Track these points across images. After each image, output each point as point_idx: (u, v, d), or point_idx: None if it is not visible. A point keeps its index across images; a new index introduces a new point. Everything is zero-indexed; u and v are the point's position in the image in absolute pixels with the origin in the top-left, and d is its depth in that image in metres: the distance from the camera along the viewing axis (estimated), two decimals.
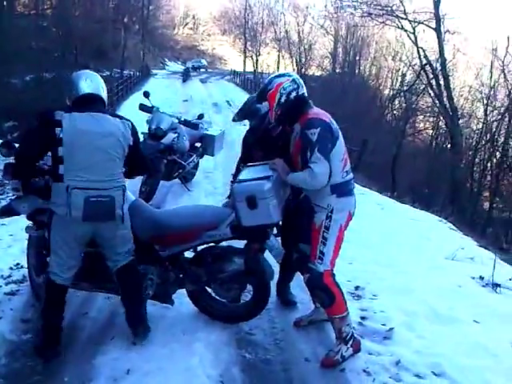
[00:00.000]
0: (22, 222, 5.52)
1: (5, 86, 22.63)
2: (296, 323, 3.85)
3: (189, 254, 3.73)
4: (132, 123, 3.32)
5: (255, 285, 3.64)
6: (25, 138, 3.23)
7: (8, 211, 3.64)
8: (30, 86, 25.59)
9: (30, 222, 3.74)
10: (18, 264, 4.48)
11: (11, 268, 4.42)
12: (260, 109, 3.69)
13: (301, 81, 3.37)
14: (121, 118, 3.27)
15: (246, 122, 4.15)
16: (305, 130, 3.17)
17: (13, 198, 3.64)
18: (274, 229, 3.53)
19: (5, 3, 28.65)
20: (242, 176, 3.38)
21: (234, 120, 4.09)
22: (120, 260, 3.36)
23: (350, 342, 3.37)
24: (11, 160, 3.35)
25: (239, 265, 3.54)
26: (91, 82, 3.22)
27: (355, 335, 3.46)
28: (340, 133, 3.32)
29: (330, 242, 3.28)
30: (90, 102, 3.17)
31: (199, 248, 3.67)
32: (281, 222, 3.56)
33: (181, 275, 3.66)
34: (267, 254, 3.56)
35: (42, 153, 3.14)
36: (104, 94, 3.30)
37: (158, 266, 3.62)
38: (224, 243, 3.64)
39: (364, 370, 3.27)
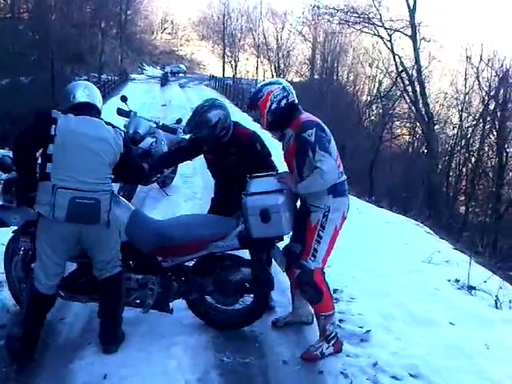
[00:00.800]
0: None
1: None
2: (273, 323, 3.89)
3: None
4: (124, 133, 3.35)
5: (257, 293, 3.65)
6: (21, 133, 3.17)
7: None
8: (6, 89, 25.16)
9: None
10: None
11: None
12: (210, 119, 3.69)
13: (291, 88, 3.46)
14: (114, 126, 3.29)
15: None
16: (301, 133, 3.25)
17: None
18: None
19: None
20: (252, 188, 3.35)
21: (184, 132, 4.12)
22: (105, 269, 3.30)
23: (332, 342, 3.43)
24: (9, 175, 3.40)
25: (246, 275, 3.55)
26: (89, 92, 3.30)
27: (338, 336, 3.50)
28: (331, 136, 3.38)
29: (324, 241, 3.35)
30: (86, 109, 3.21)
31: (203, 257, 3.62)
32: None
33: (183, 285, 3.62)
34: None
35: (37, 147, 3.08)
36: (100, 105, 3.35)
37: (159, 275, 3.57)
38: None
39: (342, 372, 3.28)
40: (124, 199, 3.71)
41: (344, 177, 3.46)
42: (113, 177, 3.25)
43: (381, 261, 5.47)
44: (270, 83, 3.49)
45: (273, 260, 3.70)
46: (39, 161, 3.15)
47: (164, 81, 37.65)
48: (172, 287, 3.59)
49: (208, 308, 3.76)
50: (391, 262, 5.48)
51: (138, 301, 3.57)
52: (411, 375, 3.28)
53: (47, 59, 27.66)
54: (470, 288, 4.86)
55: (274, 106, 3.35)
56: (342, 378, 3.24)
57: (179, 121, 7.97)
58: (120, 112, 7.20)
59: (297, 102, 3.46)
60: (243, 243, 3.44)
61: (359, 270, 5.11)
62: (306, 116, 3.39)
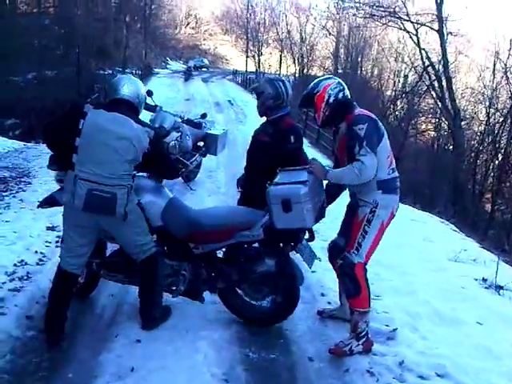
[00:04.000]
0: (24, 219, 5.57)
1: (7, 83, 22.61)
2: (319, 312, 3.98)
3: (221, 254, 3.84)
4: (155, 132, 3.44)
5: (285, 288, 3.66)
6: (55, 117, 3.41)
7: (50, 202, 3.75)
8: (32, 83, 25.59)
9: None
10: (22, 261, 4.50)
11: (15, 265, 4.42)
12: (259, 87, 4.04)
13: (344, 83, 3.51)
14: (144, 125, 3.38)
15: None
16: (352, 126, 3.28)
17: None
18: (307, 234, 3.59)
19: (7, 1, 28.63)
20: (278, 179, 3.41)
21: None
22: (140, 252, 3.48)
23: (362, 340, 3.42)
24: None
25: (270, 266, 3.59)
26: (128, 88, 3.40)
27: (369, 336, 3.48)
28: (385, 131, 3.41)
29: (369, 236, 3.37)
30: (122, 106, 3.33)
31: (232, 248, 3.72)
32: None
33: (212, 273, 3.71)
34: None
35: (64, 131, 3.25)
36: (139, 102, 3.46)
37: (190, 262, 3.71)
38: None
39: (368, 371, 3.27)
40: (166, 188, 3.89)
41: (395, 174, 3.46)
42: (134, 173, 3.37)
43: (406, 258, 5.42)
44: (326, 78, 3.53)
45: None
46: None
47: (187, 75, 37.82)
48: (201, 274, 3.71)
49: (238, 301, 3.81)
50: (416, 260, 5.43)
51: (173, 287, 3.72)
52: (438, 375, 3.25)
53: (73, 53, 28.05)
54: (498, 287, 4.78)
55: (332, 98, 3.40)
56: (368, 376, 3.23)
57: (204, 115, 8.00)
58: (145, 106, 7.19)
59: (350, 97, 3.50)
60: (268, 234, 3.47)
61: (384, 267, 5.06)
62: (360, 110, 3.41)
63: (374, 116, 3.38)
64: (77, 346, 3.39)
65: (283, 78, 4.33)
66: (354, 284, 3.38)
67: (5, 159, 9.72)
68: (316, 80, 3.55)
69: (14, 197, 6.75)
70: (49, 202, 3.77)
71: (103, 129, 3.19)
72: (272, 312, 3.76)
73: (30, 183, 7.61)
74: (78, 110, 3.24)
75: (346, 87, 3.48)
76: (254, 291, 3.71)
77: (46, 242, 5.01)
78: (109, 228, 3.39)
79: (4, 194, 6.91)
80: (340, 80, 3.52)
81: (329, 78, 3.52)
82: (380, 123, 3.39)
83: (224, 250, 3.78)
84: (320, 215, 3.51)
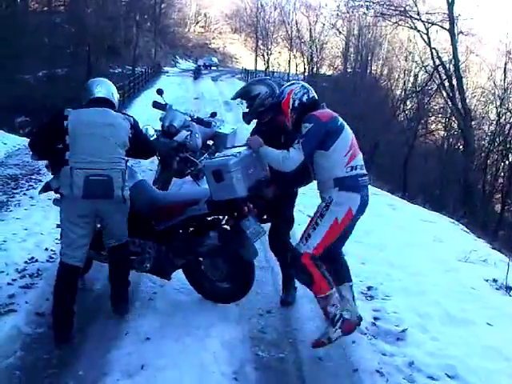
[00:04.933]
0: (35, 216, 5.61)
1: (17, 81, 22.78)
2: None
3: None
4: (133, 118, 3.62)
5: (237, 263, 3.76)
6: (38, 129, 3.76)
7: (46, 188, 3.98)
8: (43, 81, 25.76)
9: (57, 196, 3.87)
10: (32, 258, 4.53)
11: (26, 262, 4.46)
12: (251, 90, 3.95)
13: (309, 86, 3.61)
14: (123, 113, 3.64)
15: None
16: (302, 122, 3.37)
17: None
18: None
19: (18, 0, 28.81)
20: (216, 155, 3.70)
21: (231, 98, 4.52)
22: (115, 239, 3.64)
23: (339, 324, 3.37)
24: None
25: (214, 239, 3.72)
26: (101, 88, 3.64)
27: (348, 317, 3.41)
28: (346, 129, 3.44)
29: (320, 230, 3.36)
30: (99, 103, 3.53)
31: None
32: None
33: (168, 248, 3.86)
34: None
35: (50, 142, 3.50)
36: (114, 99, 3.67)
37: (153, 240, 3.87)
38: None
39: (377, 371, 3.25)
40: (138, 174, 4.12)
41: (357, 172, 3.39)
42: (125, 158, 3.51)
43: (416, 259, 5.39)
44: (289, 85, 3.63)
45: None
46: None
47: (197, 74, 37.88)
48: (161, 251, 3.86)
49: (200, 279, 3.96)
50: (426, 260, 5.40)
51: (142, 264, 3.91)
52: (448, 376, 3.23)
53: (83, 52, 28.17)
54: (509, 288, 4.75)
55: (297, 102, 3.48)
56: (377, 376, 3.21)
57: (213, 114, 8.00)
58: (156, 105, 7.23)
59: (317, 98, 3.56)
60: (210, 207, 3.64)
61: (394, 267, 5.05)
62: (321, 111, 3.44)
63: (328, 118, 3.38)
64: (87, 344, 3.41)
65: (266, 77, 4.37)
66: (304, 273, 3.39)
67: (15, 157, 9.81)
68: (282, 87, 3.65)
69: (24, 194, 6.80)
70: (45, 188, 4.00)
71: (87, 122, 3.39)
72: (231, 289, 3.90)
73: (40, 180, 7.65)
74: (58, 115, 3.42)
75: (311, 89, 3.56)
76: (212, 268, 3.87)
77: (56, 239, 5.02)
78: (105, 214, 3.50)
79: (15, 191, 6.97)
80: (304, 83, 3.64)
81: (292, 84, 3.63)
82: (338, 123, 3.41)
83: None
84: (259, 189, 3.59)
